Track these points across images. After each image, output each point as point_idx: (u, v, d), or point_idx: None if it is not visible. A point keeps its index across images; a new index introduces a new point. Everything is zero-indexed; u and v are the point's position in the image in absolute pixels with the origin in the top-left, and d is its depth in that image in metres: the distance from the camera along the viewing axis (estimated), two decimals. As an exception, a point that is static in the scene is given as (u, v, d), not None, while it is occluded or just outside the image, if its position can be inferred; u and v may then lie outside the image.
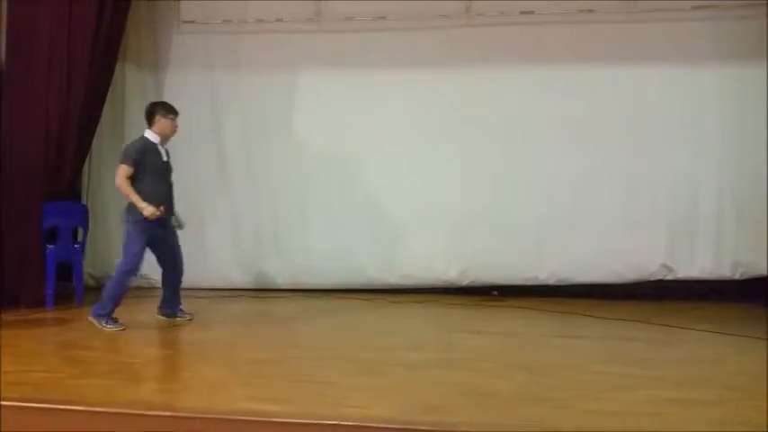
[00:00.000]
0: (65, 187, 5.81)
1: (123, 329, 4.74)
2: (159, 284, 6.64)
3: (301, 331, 5.08)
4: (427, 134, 6.44)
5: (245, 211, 6.78)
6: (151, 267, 6.61)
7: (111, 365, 3.84)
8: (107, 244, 6.73)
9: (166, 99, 6.76)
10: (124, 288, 4.87)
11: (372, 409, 3.09)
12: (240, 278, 6.69)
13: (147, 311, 5.34)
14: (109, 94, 6.31)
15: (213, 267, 6.66)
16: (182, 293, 5.29)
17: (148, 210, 4.67)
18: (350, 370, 3.81)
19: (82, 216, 6.09)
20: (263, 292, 6.52)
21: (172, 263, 5.08)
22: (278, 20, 6.68)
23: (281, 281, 6.64)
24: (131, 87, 6.85)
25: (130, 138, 6.84)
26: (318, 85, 6.61)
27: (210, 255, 6.70)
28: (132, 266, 4.82)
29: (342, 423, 2.87)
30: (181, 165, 6.69)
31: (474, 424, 2.95)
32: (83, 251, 6.03)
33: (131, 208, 4.77)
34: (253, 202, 6.76)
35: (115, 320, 4.82)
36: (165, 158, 4.96)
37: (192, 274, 6.58)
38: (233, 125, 6.76)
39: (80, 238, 6.08)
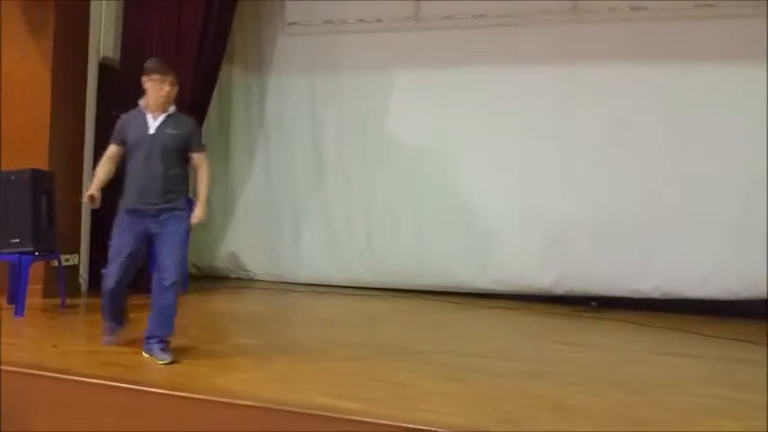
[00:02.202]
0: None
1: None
2: (257, 276, 6.99)
3: (387, 331, 5.07)
4: (526, 136, 6.24)
5: (339, 210, 6.88)
6: (249, 258, 7.00)
7: (200, 352, 3.99)
8: (212, 236, 7.07)
9: (269, 100, 7.09)
10: (103, 296, 3.91)
11: (447, 415, 3.01)
12: (333, 275, 6.80)
13: (245, 302, 5.49)
14: (216, 94, 6.62)
15: (307, 263, 6.83)
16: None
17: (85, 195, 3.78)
18: (431, 374, 3.74)
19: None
20: (355, 289, 6.58)
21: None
22: (377, 20, 6.72)
23: (373, 279, 6.67)
24: (237, 88, 7.14)
25: (235, 138, 7.23)
26: (416, 85, 6.58)
27: (305, 251, 6.87)
28: (108, 268, 3.82)
29: (414, 426, 2.81)
30: (279, 163, 7.01)
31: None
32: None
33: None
34: (347, 201, 6.84)
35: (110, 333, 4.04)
36: (151, 131, 3.77)
37: (288, 268, 6.87)
38: (330, 125, 6.88)
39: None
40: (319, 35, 6.86)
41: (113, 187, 3.90)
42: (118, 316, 4.04)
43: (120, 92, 6.03)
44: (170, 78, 3.81)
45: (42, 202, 5.11)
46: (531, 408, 3.22)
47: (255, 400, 3.06)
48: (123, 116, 3.94)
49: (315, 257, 6.82)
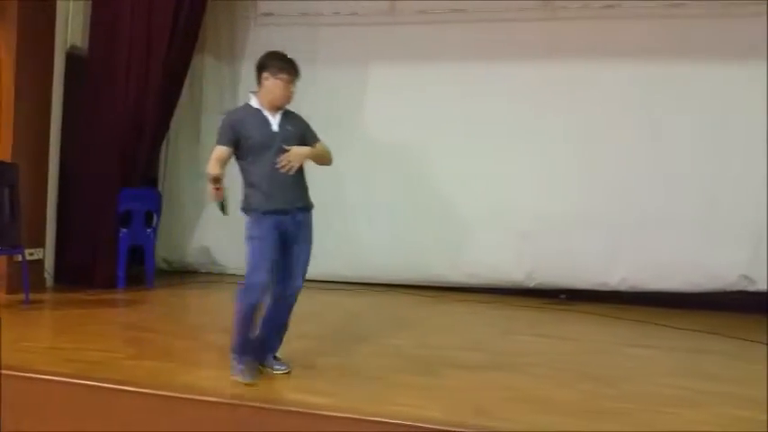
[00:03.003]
0: (141, 173, 6.05)
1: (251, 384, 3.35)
2: (230, 271, 6.90)
3: (361, 325, 5.06)
4: (500, 131, 6.27)
5: (314, 203, 6.82)
6: (221, 253, 6.91)
7: (169, 349, 3.94)
8: (182, 229, 6.98)
9: (242, 90, 7.00)
10: (244, 316, 3.44)
11: (420, 408, 3.03)
12: (308, 269, 6.75)
13: (216, 297, 5.45)
14: (187, 83, 6.53)
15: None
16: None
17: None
18: (404, 367, 3.76)
19: (155, 201, 6.33)
20: (329, 284, 6.55)
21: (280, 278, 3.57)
22: (353, 13, 6.69)
23: (346, 273, 6.65)
24: (209, 78, 7.03)
25: (206, 127, 7.13)
26: (392, 79, 6.56)
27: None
28: (252, 277, 3.44)
29: (386, 420, 2.82)
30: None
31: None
32: (155, 235, 6.25)
33: (245, 210, 3.56)
34: (321, 195, 6.77)
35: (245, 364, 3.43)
36: (275, 128, 3.54)
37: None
38: (306, 117, 6.80)
39: (153, 222, 6.29)
40: (294, 26, 6.79)
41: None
42: (258, 340, 3.54)
43: (90, 82, 5.94)
44: (296, 79, 3.61)
45: (5, 195, 4.99)
46: (503, 399, 3.26)
47: (223, 396, 3.03)
48: (231, 115, 3.60)
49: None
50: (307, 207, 3.63)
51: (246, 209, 3.54)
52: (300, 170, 3.57)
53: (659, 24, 5.95)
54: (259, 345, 3.55)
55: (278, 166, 3.44)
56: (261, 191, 3.49)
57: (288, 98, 3.59)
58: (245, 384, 3.31)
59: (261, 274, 3.40)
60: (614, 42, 6.02)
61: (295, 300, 3.58)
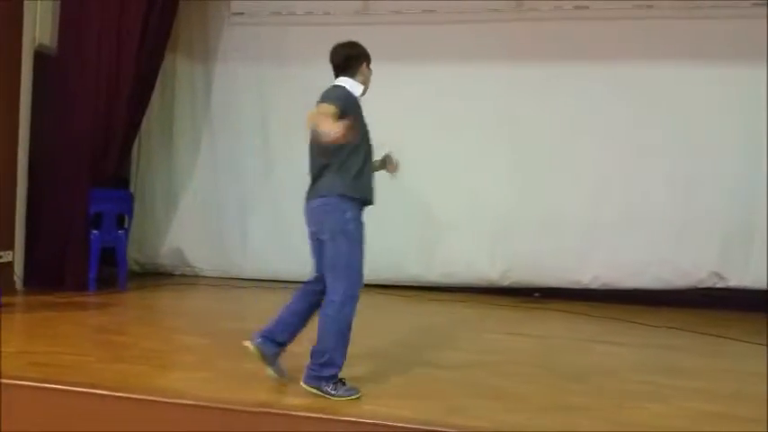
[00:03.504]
0: (112, 174, 5.97)
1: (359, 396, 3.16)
2: (203, 272, 6.85)
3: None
4: (474, 131, 6.31)
5: (289, 203, 6.76)
6: (194, 254, 6.85)
7: (142, 352, 3.90)
8: (154, 230, 6.92)
9: (215, 89, 6.97)
10: (349, 329, 3.26)
11: (393, 408, 3.04)
12: (283, 270, 6.72)
13: (190, 299, 5.41)
14: (159, 83, 6.47)
15: (256, 258, 6.74)
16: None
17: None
18: (377, 366, 3.77)
19: (127, 203, 6.27)
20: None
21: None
22: (326, 13, 6.68)
23: (321, 273, 6.63)
24: (181, 77, 6.98)
25: (179, 127, 7.09)
26: (365, 79, 6.57)
27: (253, 245, 6.78)
28: (355, 294, 3.25)
29: (359, 420, 2.83)
30: (225, 154, 6.90)
31: (497, 430, 2.87)
32: (126, 237, 6.18)
33: (342, 197, 3.23)
34: (297, 195, 6.74)
35: (343, 383, 3.20)
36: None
37: (236, 264, 6.78)
38: (279, 117, 6.80)
39: (125, 224, 6.22)
40: (267, 26, 6.77)
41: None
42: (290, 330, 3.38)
43: (59, 81, 5.85)
44: None
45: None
46: (475, 397, 3.29)
47: (197, 399, 3.01)
48: (339, 92, 3.31)
49: (263, 252, 6.73)
50: None
51: (344, 195, 3.22)
52: None
53: (630, 26, 6.06)
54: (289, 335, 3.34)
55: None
56: (363, 181, 3.28)
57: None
58: (357, 397, 3.10)
59: (362, 280, 3.24)
60: (585, 44, 6.11)
61: None
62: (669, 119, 5.97)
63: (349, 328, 3.23)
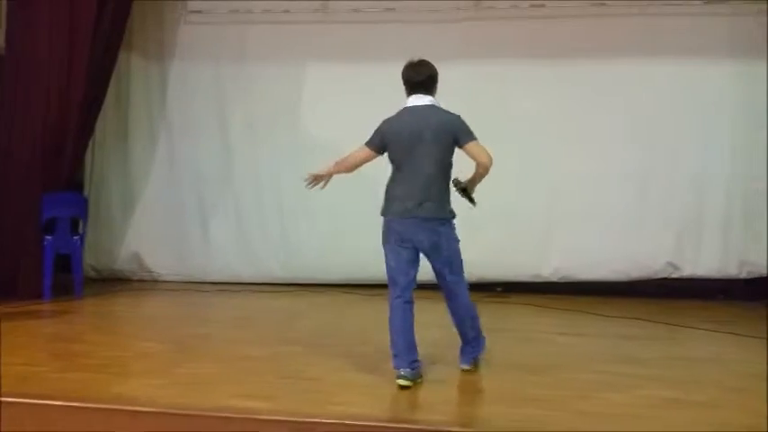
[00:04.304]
0: (65, 177, 5.81)
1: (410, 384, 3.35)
2: (163, 277, 6.72)
3: (299, 327, 5.03)
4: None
5: (250, 205, 6.74)
6: (152, 259, 6.72)
7: (99, 360, 3.82)
8: (111, 235, 6.76)
9: (171, 89, 6.83)
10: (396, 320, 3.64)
11: (358, 406, 3.04)
12: (245, 272, 6.66)
13: (149, 305, 5.31)
14: (113, 83, 6.32)
15: (217, 260, 6.65)
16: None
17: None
18: (342, 367, 3.77)
19: (81, 206, 6.10)
20: (267, 286, 6.48)
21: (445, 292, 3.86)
22: (285, 11, 6.62)
23: (285, 275, 6.59)
24: (136, 77, 6.83)
25: (135, 128, 6.92)
26: (325, 78, 6.53)
27: (214, 248, 6.69)
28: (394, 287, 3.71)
29: (323, 421, 2.82)
30: (183, 155, 6.78)
31: (459, 423, 2.89)
32: (82, 242, 6.03)
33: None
34: (258, 196, 6.71)
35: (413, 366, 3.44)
36: None
37: (197, 267, 6.67)
38: (238, 117, 6.72)
39: (80, 229, 6.07)
40: (224, 24, 6.68)
41: None
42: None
43: (9, 82, 5.68)
44: None
45: None
46: (439, 393, 3.31)
47: (156, 405, 2.96)
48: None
49: (225, 255, 6.65)
50: None
51: (452, 214, 3.84)
52: None
53: (585, 24, 6.17)
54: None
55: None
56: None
57: None
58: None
59: None
60: (542, 42, 6.20)
61: None
62: (624, 115, 6.11)
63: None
